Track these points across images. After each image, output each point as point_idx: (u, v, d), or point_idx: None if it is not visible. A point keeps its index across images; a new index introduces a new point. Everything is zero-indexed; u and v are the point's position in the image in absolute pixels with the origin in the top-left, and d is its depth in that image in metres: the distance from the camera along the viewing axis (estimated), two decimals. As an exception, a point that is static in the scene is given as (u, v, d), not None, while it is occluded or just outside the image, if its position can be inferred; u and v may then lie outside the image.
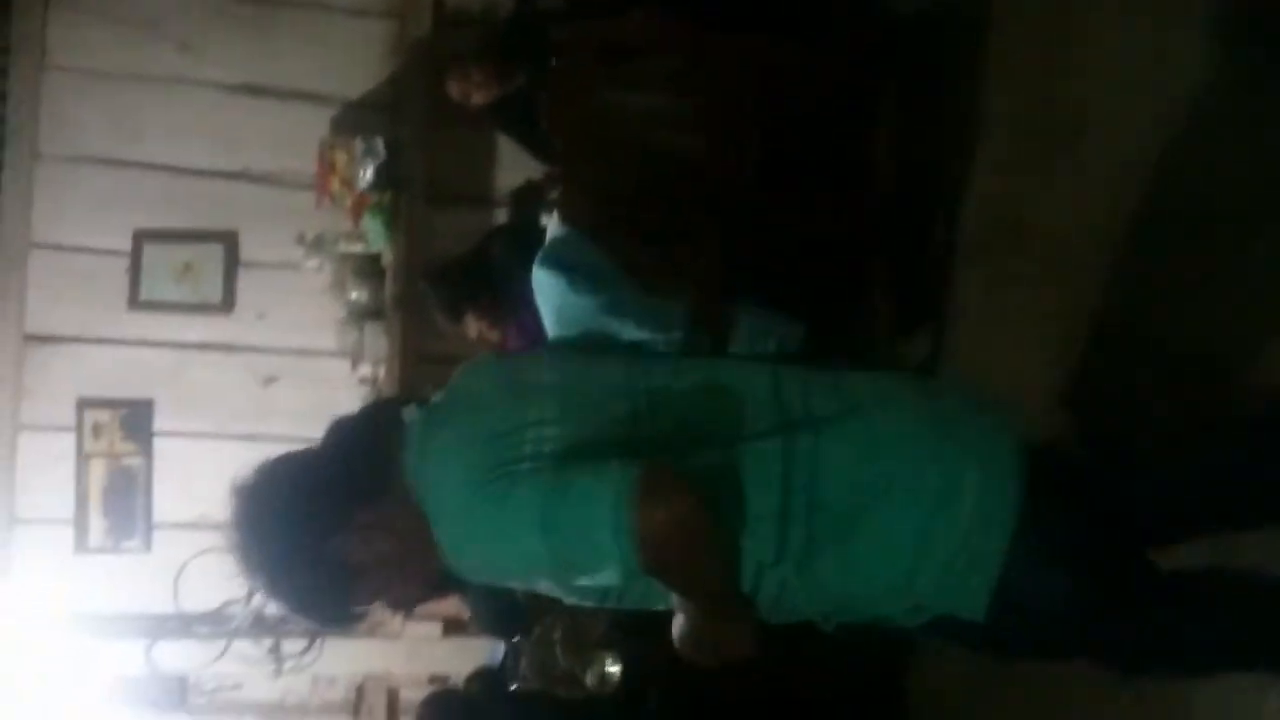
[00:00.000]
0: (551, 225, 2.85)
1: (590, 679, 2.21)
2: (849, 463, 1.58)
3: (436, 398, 1.74)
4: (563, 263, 2.62)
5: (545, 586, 1.68)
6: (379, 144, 4.08)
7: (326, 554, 1.58)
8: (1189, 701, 2.17)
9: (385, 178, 4.06)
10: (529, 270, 2.67)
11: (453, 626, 4.10)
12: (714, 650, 1.57)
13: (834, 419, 1.61)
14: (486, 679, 3.58)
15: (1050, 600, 1.58)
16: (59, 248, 4.07)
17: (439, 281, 3.76)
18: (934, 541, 1.55)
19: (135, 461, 4.06)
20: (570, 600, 1.72)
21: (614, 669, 2.22)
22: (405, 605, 1.87)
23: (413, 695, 4.08)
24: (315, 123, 4.24)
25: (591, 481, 1.47)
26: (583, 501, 1.46)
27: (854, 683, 3.24)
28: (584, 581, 1.58)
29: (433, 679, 4.12)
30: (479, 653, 3.77)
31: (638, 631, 2.00)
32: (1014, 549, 1.53)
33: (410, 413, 1.68)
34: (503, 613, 3.45)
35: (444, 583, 1.74)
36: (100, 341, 4.10)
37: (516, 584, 1.75)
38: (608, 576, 1.52)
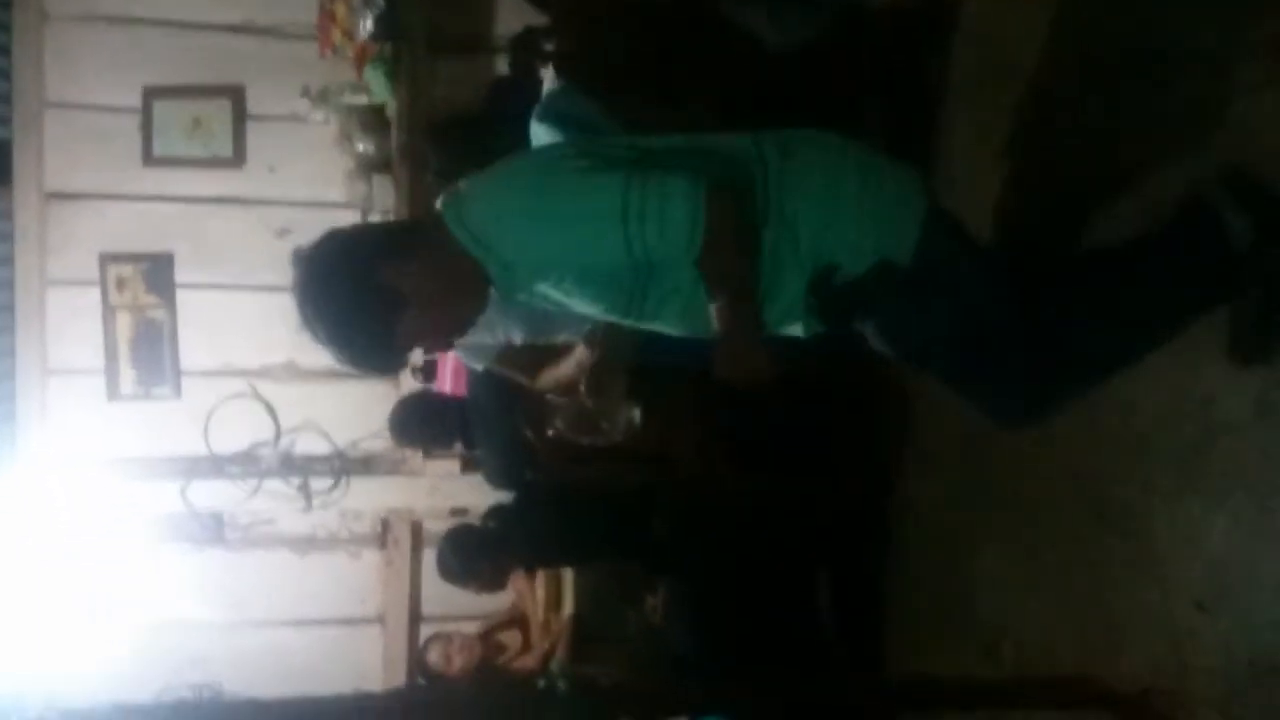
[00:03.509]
0: (548, 79, 2.91)
1: (615, 423, 2.38)
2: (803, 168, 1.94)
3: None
4: (560, 116, 2.71)
5: (583, 300, 1.95)
6: (377, -8, 4.08)
7: (373, 286, 1.81)
8: (1150, 532, 2.34)
9: (385, 27, 4.06)
10: (526, 124, 2.75)
11: (471, 464, 4.30)
12: (745, 364, 1.91)
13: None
14: (503, 514, 3.81)
15: (962, 273, 2.01)
16: (73, 106, 4.15)
17: (440, 141, 3.81)
18: (870, 193, 1.93)
19: (159, 313, 4.22)
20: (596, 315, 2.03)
21: (635, 414, 2.40)
22: (442, 344, 2.13)
23: (435, 527, 4.34)
24: (315, -28, 4.24)
25: (673, 178, 1.79)
26: (666, 192, 1.78)
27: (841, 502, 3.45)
28: (631, 274, 1.88)
29: (453, 512, 4.35)
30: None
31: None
32: (930, 220, 1.95)
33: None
34: (511, 467, 3.66)
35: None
36: (118, 198, 4.22)
37: (564, 287, 1.92)
38: (663, 257, 1.83)
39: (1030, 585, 2.72)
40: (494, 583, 3.83)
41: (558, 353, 2.61)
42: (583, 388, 2.39)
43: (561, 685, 3.47)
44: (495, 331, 2.63)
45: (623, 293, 1.93)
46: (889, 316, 2.03)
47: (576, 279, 1.90)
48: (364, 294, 1.81)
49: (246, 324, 4.23)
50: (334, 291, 1.82)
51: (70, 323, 4.21)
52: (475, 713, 2.81)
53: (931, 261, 1.93)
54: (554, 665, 3.85)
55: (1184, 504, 2.25)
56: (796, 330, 2.04)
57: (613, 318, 2.03)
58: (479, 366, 2.78)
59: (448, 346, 2.30)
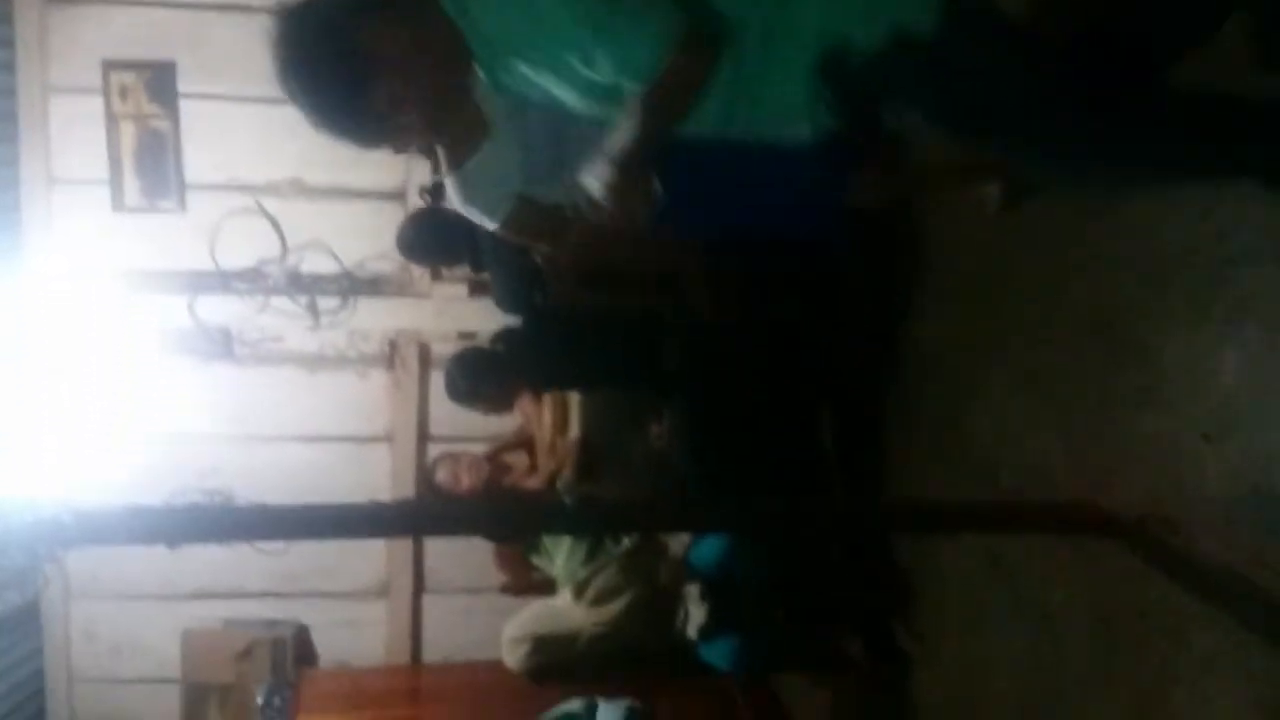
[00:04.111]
0: None
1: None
2: None
3: None
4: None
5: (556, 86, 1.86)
6: None
7: (349, 47, 1.73)
8: (1159, 361, 2.31)
9: None
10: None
11: (479, 287, 4.29)
12: (625, 203, 1.86)
13: None
14: (511, 336, 3.80)
15: (994, 42, 1.79)
16: (69, -100, 4.00)
17: None
18: None
19: (163, 124, 4.14)
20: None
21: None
22: (421, 112, 1.99)
23: (442, 350, 4.36)
24: None
25: (651, 13, 1.70)
26: (637, 17, 1.70)
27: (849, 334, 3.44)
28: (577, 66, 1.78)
29: (461, 336, 4.36)
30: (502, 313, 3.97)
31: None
32: None
33: None
34: (520, 290, 3.63)
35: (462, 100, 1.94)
36: (119, 2, 4.09)
37: (537, 70, 1.85)
38: (605, 76, 1.76)
39: (1032, 413, 2.71)
40: (501, 404, 3.86)
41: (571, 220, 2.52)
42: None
43: (569, 500, 3.52)
44: (502, 186, 2.51)
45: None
46: (913, 98, 1.89)
47: (548, 68, 1.82)
48: (339, 54, 1.72)
49: (251, 137, 4.16)
50: (309, 51, 1.73)
51: (74, 132, 4.15)
52: (484, 524, 2.85)
53: (959, 29, 1.74)
54: (560, 485, 3.91)
55: (1196, 334, 2.21)
56: (802, 130, 1.90)
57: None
58: (491, 225, 2.67)
59: (429, 122, 2.16)
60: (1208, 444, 2.19)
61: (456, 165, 2.37)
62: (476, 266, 3.97)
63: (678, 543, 3.72)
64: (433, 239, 3.88)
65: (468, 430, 4.38)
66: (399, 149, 2.06)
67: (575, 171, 2.29)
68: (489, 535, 3.84)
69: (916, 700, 3.23)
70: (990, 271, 2.91)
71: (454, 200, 2.50)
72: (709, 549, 3.56)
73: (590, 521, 2.69)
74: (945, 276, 3.18)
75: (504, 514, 2.85)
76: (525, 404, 4.13)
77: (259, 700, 4.10)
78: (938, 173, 2.87)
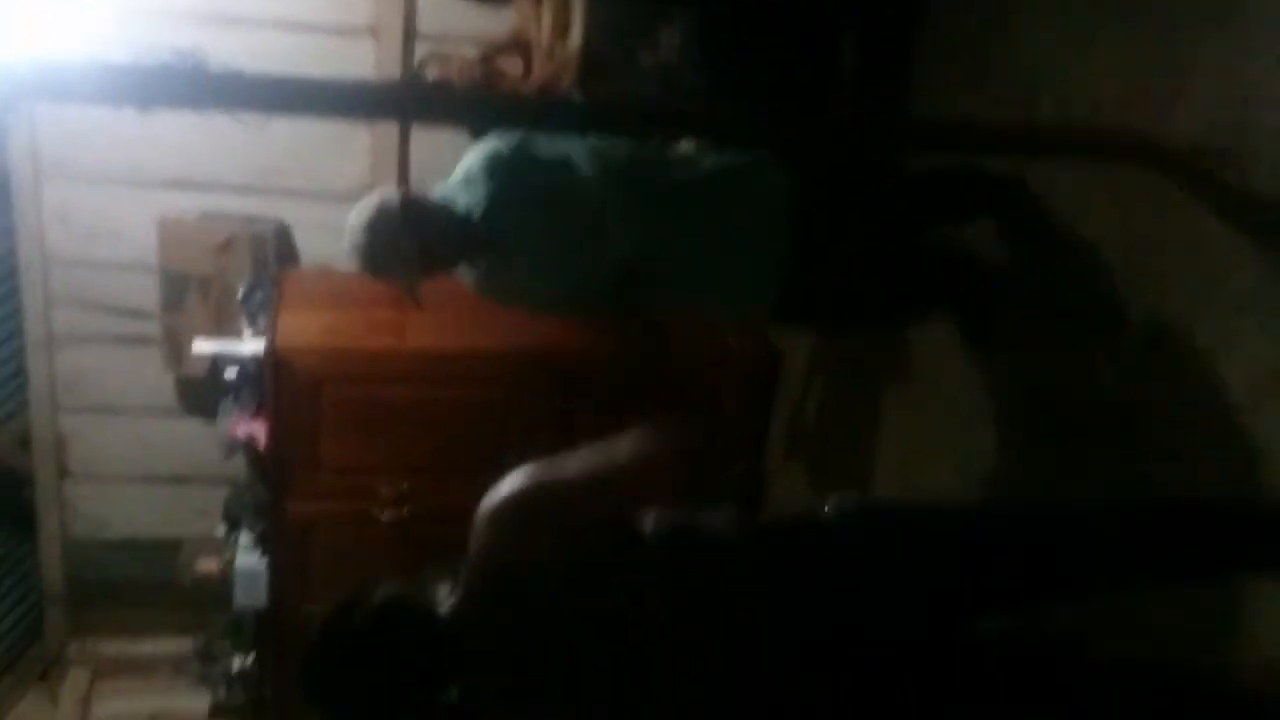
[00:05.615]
0: None
1: None
2: None
3: None
4: None
5: None
6: None
7: None
8: None
9: None
10: None
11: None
12: None
13: None
14: None
15: None
16: None
17: None
18: None
19: None
20: None
21: None
22: None
23: None
24: None
25: None
26: None
27: None
28: None
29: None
30: None
31: None
32: None
33: None
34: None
35: None
36: None
37: None
38: None
39: (1084, 31, 2.47)
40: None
41: None
42: None
43: (576, 96, 3.31)
44: None
45: None
46: None
47: None
48: None
49: None
50: None
51: None
52: (477, 116, 2.67)
53: None
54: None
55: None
56: None
57: None
58: None
59: None
60: (1281, 68, 2.00)
61: None
62: None
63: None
64: None
65: (460, 28, 4.09)
66: None
67: None
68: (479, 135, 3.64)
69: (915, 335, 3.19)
70: None
71: None
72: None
73: (592, 119, 2.49)
74: None
75: (499, 106, 2.65)
76: (523, 2, 3.83)
77: (240, 293, 4.02)
78: None
